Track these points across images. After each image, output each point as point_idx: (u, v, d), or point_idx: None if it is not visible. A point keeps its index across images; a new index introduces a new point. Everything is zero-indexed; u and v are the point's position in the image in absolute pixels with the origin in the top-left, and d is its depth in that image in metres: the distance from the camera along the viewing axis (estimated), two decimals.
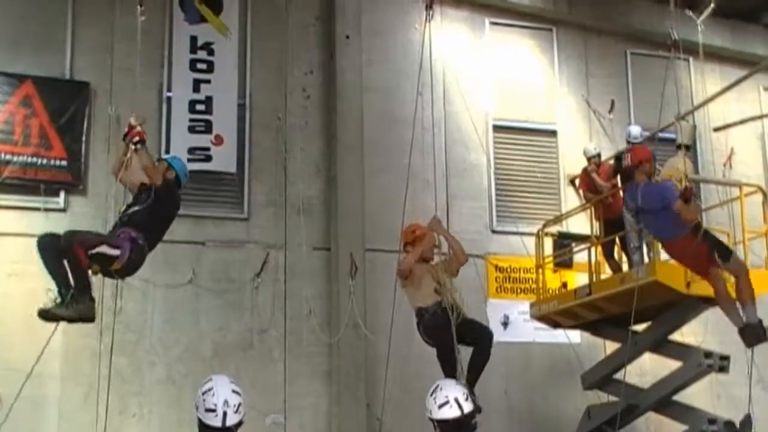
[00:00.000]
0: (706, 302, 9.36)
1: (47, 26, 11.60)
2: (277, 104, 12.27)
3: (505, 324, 12.65)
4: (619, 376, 10.38)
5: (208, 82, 11.96)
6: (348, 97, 12.31)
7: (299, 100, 12.42)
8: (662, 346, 10.45)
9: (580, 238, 12.17)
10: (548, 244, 12.16)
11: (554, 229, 12.43)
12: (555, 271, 12.19)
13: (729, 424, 9.51)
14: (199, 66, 11.97)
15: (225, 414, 4.88)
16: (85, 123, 11.38)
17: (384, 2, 13.18)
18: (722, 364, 9.58)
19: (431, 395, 5.33)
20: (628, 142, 11.57)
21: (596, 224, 11.44)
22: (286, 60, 12.36)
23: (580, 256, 11.86)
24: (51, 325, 7.02)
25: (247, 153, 12.10)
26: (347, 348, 11.47)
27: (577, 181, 12.99)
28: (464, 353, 7.90)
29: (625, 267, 10.96)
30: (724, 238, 10.01)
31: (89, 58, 11.68)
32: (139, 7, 8.16)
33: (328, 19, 12.67)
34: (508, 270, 12.89)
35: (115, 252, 6.99)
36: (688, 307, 9.78)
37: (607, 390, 10.99)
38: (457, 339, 7.68)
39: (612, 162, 11.88)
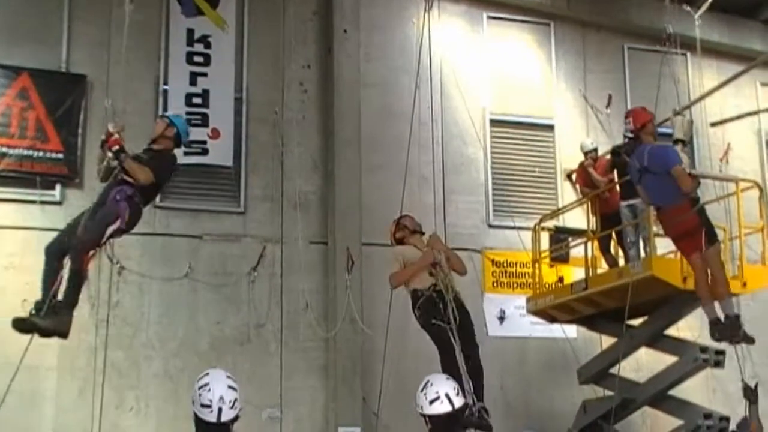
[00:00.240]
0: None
1: (44, 19, 11.57)
2: (274, 98, 12.26)
3: (502, 318, 12.66)
4: (614, 370, 10.39)
5: (204, 75, 11.93)
6: (345, 92, 12.30)
7: (296, 95, 12.41)
8: (658, 340, 10.47)
9: (577, 233, 12.18)
10: (545, 238, 12.18)
11: (551, 223, 12.44)
12: (551, 266, 12.20)
13: (724, 419, 9.54)
14: (196, 59, 11.94)
15: (220, 410, 4.88)
16: (81, 116, 11.35)
17: None
18: (718, 359, 9.60)
19: (422, 390, 5.34)
20: (625, 137, 11.55)
21: (593, 219, 11.45)
22: (284, 54, 12.34)
23: (577, 251, 11.86)
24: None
25: (243, 147, 12.08)
26: (344, 342, 11.48)
27: (574, 176, 13.00)
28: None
29: (621, 262, 10.97)
30: (720, 234, 10.04)
31: (86, 50, 11.65)
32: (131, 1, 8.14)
33: (326, 13, 12.65)
34: (505, 264, 12.90)
35: (117, 224, 6.95)
36: (684, 301, 9.79)
37: (603, 384, 11.00)
38: (456, 325, 7.64)
39: (609, 157, 11.87)
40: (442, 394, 5.23)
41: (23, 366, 6.99)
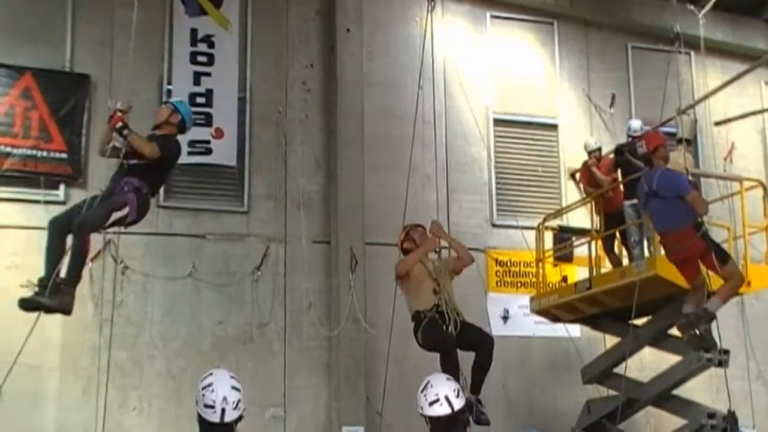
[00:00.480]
0: (706, 297, 9.33)
1: (47, 18, 11.57)
2: (278, 98, 12.25)
3: (505, 318, 12.65)
4: (618, 370, 10.39)
5: (208, 75, 11.93)
6: (348, 91, 12.29)
7: (300, 94, 12.41)
8: (662, 340, 10.46)
9: (581, 232, 12.18)
10: (548, 238, 12.16)
11: (554, 223, 12.43)
12: (555, 265, 12.19)
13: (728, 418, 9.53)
14: (200, 59, 11.94)
15: (224, 410, 4.88)
16: (85, 115, 11.36)
17: None
18: (722, 358, 9.56)
19: (422, 391, 5.33)
20: (629, 137, 11.56)
21: (597, 218, 11.44)
22: (287, 53, 12.33)
23: (581, 250, 11.86)
24: (50, 319, 7.01)
25: (247, 146, 12.09)
26: (347, 342, 11.48)
27: (577, 175, 12.99)
28: (467, 357, 7.86)
29: (625, 261, 10.96)
30: (724, 233, 10.03)
31: (89, 50, 11.66)
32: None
33: (329, 12, 12.65)
34: (508, 264, 12.89)
35: (124, 211, 6.97)
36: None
37: (607, 384, 11.00)
38: (457, 345, 7.66)
39: (612, 156, 11.86)
40: (441, 396, 5.23)
41: (26, 366, 6.99)
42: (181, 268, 11.44)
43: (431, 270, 8.10)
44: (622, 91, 14.02)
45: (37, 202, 11.03)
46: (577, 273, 12.02)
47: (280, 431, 11.19)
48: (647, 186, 8.39)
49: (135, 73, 10.15)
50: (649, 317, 10.40)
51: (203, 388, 4.96)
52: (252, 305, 11.64)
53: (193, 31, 11.92)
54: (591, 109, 13.85)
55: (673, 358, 10.28)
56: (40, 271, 9.80)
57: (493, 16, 13.67)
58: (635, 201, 10.30)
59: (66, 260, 6.85)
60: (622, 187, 11.05)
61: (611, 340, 11.30)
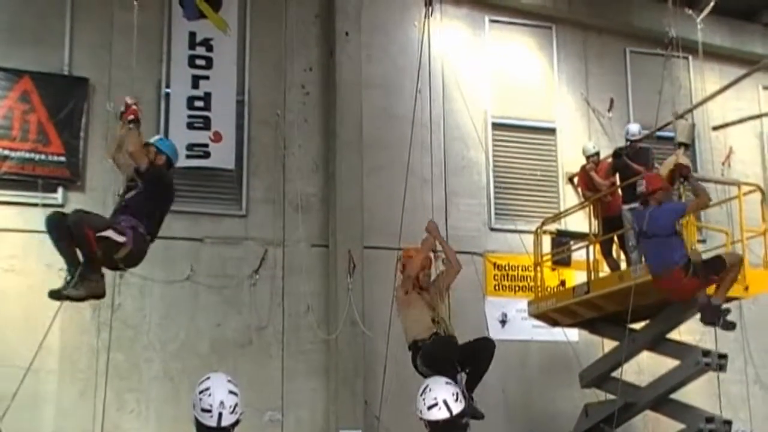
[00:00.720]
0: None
1: (46, 21, 11.58)
2: (276, 101, 12.26)
3: (503, 322, 12.65)
4: (616, 374, 10.39)
5: (206, 78, 11.93)
6: (347, 94, 12.30)
7: (298, 97, 12.41)
8: (660, 344, 10.45)
9: (579, 236, 12.17)
10: (546, 242, 12.15)
11: (553, 227, 12.42)
12: (553, 269, 12.18)
13: (727, 422, 9.53)
14: (198, 62, 11.93)
15: (221, 415, 4.86)
16: (83, 119, 11.36)
17: None
18: (720, 362, 9.59)
19: (421, 395, 5.32)
20: (627, 140, 11.56)
21: (595, 222, 11.44)
22: (286, 57, 12.34)
23: (579, 254, 11.85)
24: (48, 322, 7.00)
25: (245, 150, 12.08)
26: (345, 345, 11.47)
27: (575, 180, 12.99)
28: None
29: (623, 265, 10.96)
30: (722, 238, 10.03)
31: (88, 53, 11.66)
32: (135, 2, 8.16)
33: (328, 15, 12.65)
34: (507, 268, 12.89)
35: (122, 238, 6.98)
36: (686, 305, 9.77)
37: (605, 388, 10.99)
38: (456, 354, 7.66)
39: (610, 160, 11.87)
40: (440, 401, 5.22)
41: (24, 368, 6.97)
42: (179, 272, 11.43)
43: (429, 300, 8.12)
44: (620, 96, 14.03)
45: (35, 205, 11.01)
46: (575, 277, 12.01)
47: None
48: (638, 226, 8.48)
49: (134, 76, 10.15)
50: (647, 321, 10.40)
51: (200, 392, 4.94)
52: (250, 308, 11.63)
53: (192, 35, 11.92)
54: (589, 113, 13.86)
55: (671, 362, 10.28)
56: (38, 275, 9.84)
57: (491, 20, 13.69)
58: (633, 205, 10.31)
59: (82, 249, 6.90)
60: (620, 191, 11.05)
61: (609, 344, 11.29)
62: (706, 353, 9.62)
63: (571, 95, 13.90)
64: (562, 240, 12.43)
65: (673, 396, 10.34)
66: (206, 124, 11.77)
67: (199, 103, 11.81)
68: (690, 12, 12.51)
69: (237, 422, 4.98)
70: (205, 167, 11.74)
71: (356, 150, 12.17)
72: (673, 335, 10.53)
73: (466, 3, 13.60)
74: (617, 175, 11.38)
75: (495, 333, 12.39)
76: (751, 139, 14.66)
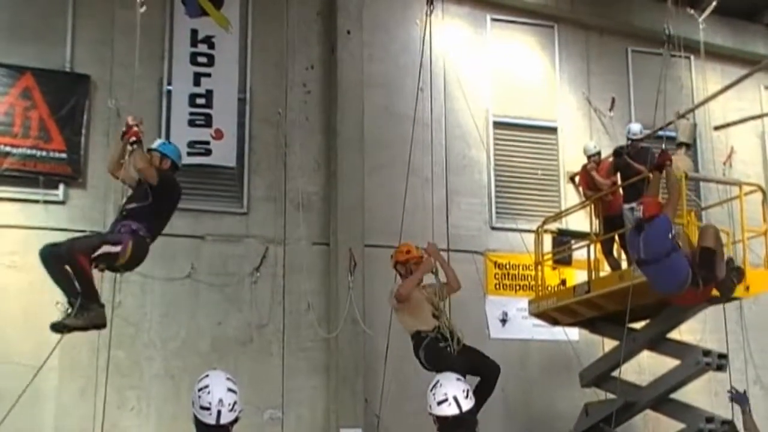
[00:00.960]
0: (705, 301, 9.35)
1: (48, 18, 11.57)
2: (278, 99, 12.26)
3: (504, 321, 12.65)
4: (617, 373, 10.39)
5: (208, 75, 11.93)
6: (348, 93, 12.30)
7: (300, 95, 12.41)
8: (660, 344, 10.46)
9: (580, 236, 12.17)
10: (547, 241, 12.16)
11: (553, 226, 12.43)
12: (554, 268, 12.18)
13: (727, 422, 9.52)
14: (200, 59, 11.93)
15: (219, 412, 4.87)
16: (84, 116, 11.36)
17: None
18: (720, 362, 9.58)
19: (431, 390, 5.30)
20: (629, 139, 11.56)
21: (595, 221, 11.44)
22: (287, 55, 12.33)
23: (579, 254, 11.86)
24: (49, 319, 7.00)
25: (246, 147, 12.08)
26: (346, 343, 11.48)
27: (576, 179, 12.99)
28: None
29: (624, 264, 10.95)
30: (723, 238, 10.02)
31: (89, 50, 11.66)
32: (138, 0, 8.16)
33: (330, 14, 12.65)
34: (507, 267, 12.89)
35: (116, 249, 6.96)
36: (686, 305, 9.77)
37: (605, 387, 10.99)
38: (460, 367, 7.65)
39: (611, 159, 11.86)
40: (450, 397, 5.20)
41: (24, 366, 6.98)
42: (179, 269, 11.43)
43: (427, 296, 8.13)
44: (621, 95, 14.03)
45: (36, 201, 11.04)
46: (576, 276, 12.02)
47: None
48: (635, 254, 8.45)
49: (135, 73, 10.15)
50: (648, 321, 10.40)
51: (199, 390, 4.94)
52: (251, 306, 11.64)
53: (194, 32, 11.92)
54: (591, 112, 13.86)
55: (671, 362, 10.28)
56: (39, 271, 9.80)
57: (493, 19, 13.68)
58: (634, 204, 10.30)
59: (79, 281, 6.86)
60: (621, 190, 11.05)
61: (609, 344, 11.29)
62: (707, 353, 9.62)
63: (572, 94, 13.90)
64: (563, 239, 12.44)
65: (674, 396, 10.34)
66: (207, 121, 11.78)
67: (200, 101, 11.81)
68: (692, 12, 12.51)
69: (236, 420, 4.98)
70: (207, 165, 11.74)
71: (357, 148, 12.17)
72: (674, 335, 10.54)
73: (467, 1, 13.59)
74: (618, 175, 11.38)
75: (495, 332, 12.44)
76: (752, 139, 14.66)
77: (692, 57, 13.49)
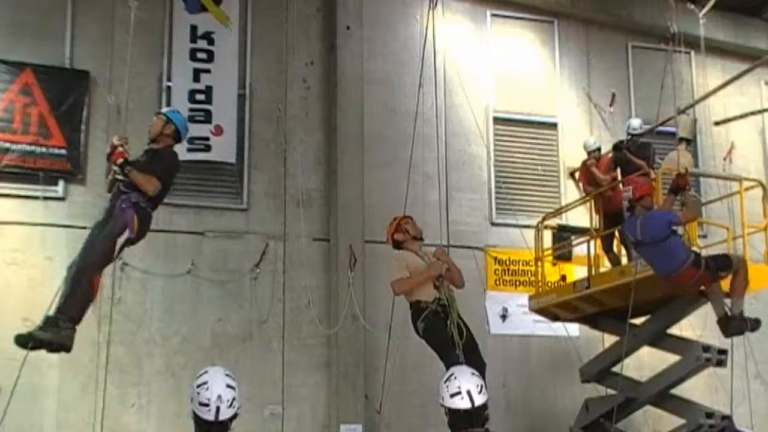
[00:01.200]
0: (705, 296, 9.36)
1: (47, 14, 11.57)
2: (278, 95, 12.24)
3: (504, 316, 12.65)
4: (617, 369, 10.40)
5: (208, 71, 11.92)
6: (348, 89, 12.29)
7: (300, 91, 12.40)
8: (661, 339, 10.46)
9: (580, 231, 12.17)
10: (548, 236, 12.16)
11: (554, 221, 12.43)
12: (554, 264, 12.18)
13: (727, 418, 9.54)
14: (199, 56, 11.92)
15: (218, 409, 4.88)
16: (84, 112, 11.36)
17: None
18: (720, 358, 9.59)
19: (445, 382, 5.30)
20: (629, 134, 11.58)
21: (596, 217, 11.44)
22: (287, 51, 12.32)
23: (580, 249, 11.86)
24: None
25: (246, 143, 12.08)
26: (346, 339, 11.48)
27: (577, 174, 12.99)
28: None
29: (624, 260, 10.96)
30: (723, 233, 10.03)
31: (89, 47, 11.65)
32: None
33: (329, 10, 12.64)
34: (508, 262, 12.88)
35: (126, 234, 6.91)
36: (686, 301, 9.78)
37: (605, 383, 10.99)
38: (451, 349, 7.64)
39: (611, 154, 11.87)
40: (463, 390, 5.19)
41: (26, 362, 6.96)
42: (180, 265, 11.43)
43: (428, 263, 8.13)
44: (622, 90, 14.01)
45: (36, 198, 11.05)
46: (576, 272, 12.03)
47: (278, 429, 11.19)
48: (632, 236, 8.43)
49: (135, 69, 10.17)
50: (648, 316, 10.40)
51: (198, 386, 4.95)
52: (251, 303, 11.64)
53: (193, 28, 11.91)
54: (591, 108, 13.84)
55: (671, 358, 10.28)
56: (39, 267, 9.85)
57: (493, 15, 13.66)
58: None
59: (68, 294, 6.76)
60: (621, 186, 11.05)
61: (610, 339, 11.30)
62: (707, 348, 9.62)
63: (572, 90, 13.88)
64: (563, 235, 12.45)
65: (674, 391, 10.34)
66: (207, 117, 11.77)
67: (200, 97, 11.80)
68: (692, 7, 12.48)
69: (235, 416, 4.99)
70: (206, 161, 11.74)
71: (357, 144, 12.16)
72: (674, 330, 10.53)
73: None
74: (618, 170, 11.37)
75: (496, 327, 12.43)
76: (752, 135, 14.64)
77: (693, 52, 13.48)
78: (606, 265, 11.20)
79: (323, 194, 12.19)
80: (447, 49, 12.93)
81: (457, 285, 8.31)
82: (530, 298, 11.76)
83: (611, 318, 10.74)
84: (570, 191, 13.33)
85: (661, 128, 12.00)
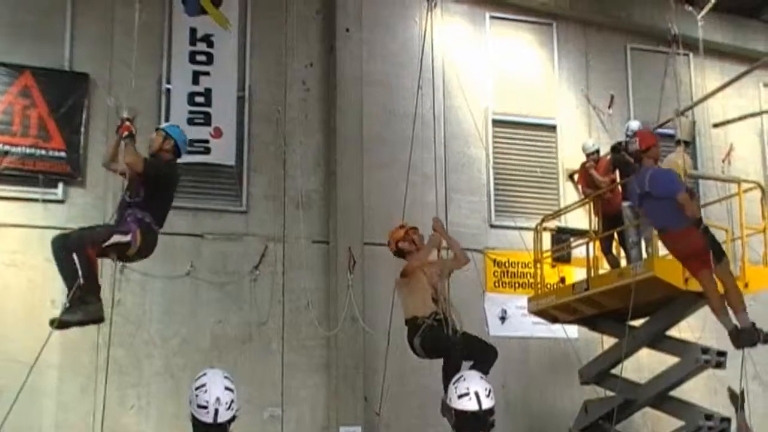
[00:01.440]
0: (704, 298, 9.35)
1: (47, 17, 11.58)
2: (277, 97, 12.25)
3: (503, 318, 12.66)
4: (616, 371, 10.40)
5: (207, 74, 11.93)
6: (348, 91, 12.30)
7: (299, 93, 12.41)
8: (660, 341, 10.46)
9: (579, 233, 12.18)
10: (546, 238, 12.17)
11: (553, 223, 12.44)
12: (553, 266, 12.18)
13: (726, 420, 9.54)
14: (199, 58, 11.94)
15: (216, 411, 4.88)
16: (84, 114, 11.37)
17: None
18: (719, 360, 9.59)
19: (454, 383, 5.32)
20: (627, 136, 11.57)
21: (595, 219, 11.45)
22: (286, 53, 12.32)
23: (579, 251, 11.86)
24: (49, 317, 7.01)
25: (246, 146, 12.09)
26: (345, 341, 11.48)
27: (575, 176, 13.00)
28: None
29: (623, 262, 10.96)
30: (722, 235, 10.03)
31: (88, 49, 11.66)
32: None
33: (329, 12, 12.65)
34: (507, 264, 12.89)
35: (127, 238, 6.97)
36: (685, 302, 9.79)
37: (604, 385, 11.00)
38: (458, 350, 7.65)
39: (609, 156, 11.88)
40: (471, 392, 5.19)
41: (25, 363, 6.99)
42: (179, 267, 11.43)
43: (430, 278, 8.12)
44: (620, 92, 14.02)
45: (35, 200, 11.05)
46: (575, 274, 12.03)
47: (277, 430, 11.20)
48: (639, 188, 8.36)
49: (134, 72, 10.18)
50: (647, 318, 10.41)
51: (196, 389, 4.96)
52: (250, 305, 11.65)
53: (193, 31, 11.92)
54: (590, 110, 13.85)
55: (670, 360, 10.29)
56: (39, 270, 9.84)
57: (492, 17, 13.68)
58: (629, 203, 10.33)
59: (70, 269, 6.80)
60: (620, 188, 11.05)
61: (609, 341, 11.31)
62: (706, 350, 9.63)
63: (571, 92, 13.90)
64: (562, 237, 12.46)
65: (673, 393, 10.34)
66: (207, 119, 11.78)
67: (199, 99, 11.81)
68: (691, 9, 12.50)
69: (233, 418, 4.99)
70: (206, 163, 11.75)
71: (357, 146, 12.18)
72: (673, 332, 10.54)
73: None
74: (617, 173, 11.38)
75: (495, 330, 12.43)
76: (751, 137, 14.66)
77: (691, 54, 13.49)
78: (605, 267, 11.21)
79: (322, 196, 12.20)
80: (446, 51, 12.95)
81: (461, 260, 8.33)
82: (529, 300, 11.77)
83: (610, 320, 10.75)
84: (569, 193, 13.34)
85: (659, 130, 12.00)
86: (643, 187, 8.27)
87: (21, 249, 10.83)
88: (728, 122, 13.37)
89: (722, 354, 9.59)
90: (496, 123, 13.34)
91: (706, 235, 8.12)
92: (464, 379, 5.31)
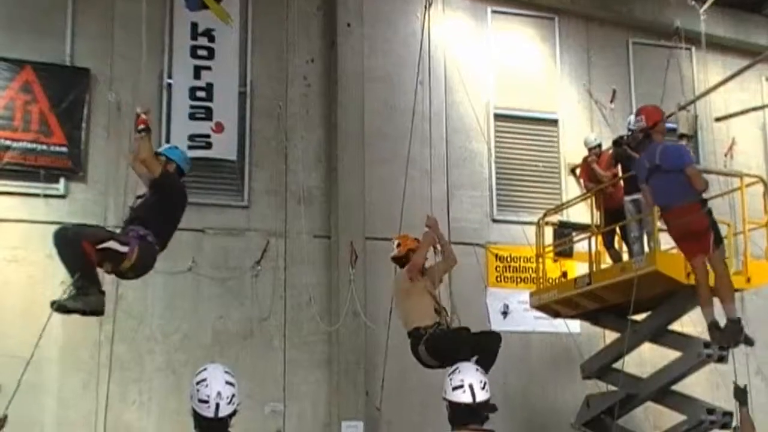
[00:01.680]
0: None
1: (47, 12, 11.56)
2: (278, 92, 12.24)
3: (505, 313, 12.66)
4: (618, 365, 10.40)
5: (208, 69, 11.92)
6: (349, 86, 12.29)
7: (300, 89, 12.39)
8: (662, 335, 10.46)
9: (581, 228, 12.16)
10: (548, 233, 12.15)
11: (555, 218, 12.42)
12: (555, 261, 12.18)
13: (728, 414, 9.53)
14: (200, 53, 11.92)
15: (218, 405, 4.88)
16: (85, 109, 11.36)
17: None
18: (721, 354, 9.57)
19: (449, 375, 5.29)
20: (629, 130, 11.54)
21: (597, 214, 11.43)
22: (288, 48, 12.31)
23: (581, 246, 11.86)
24: (50, 312, 6.99)
25: (247, 141, 12.08)
26: (347, 336, 11.48)
27: (577, 171, 12.98)
28: None
29: (625, 257, 10.95)
30: (724, 229, 10.01)
31: (89, 44, 11.65)
32: None
33: (330, 7, 12.63)
34: (509, 259, 12.89)
35: (124, 249, 6.81)
36: (687, 297, 9.74)
37: (606, 379, 11.01)
38: (467, 344, 7.64)
39: (611, 151, 11.85)
40: (466, 384, 5.17)
41: (24, 359, 6.98)
42: (181, 263, 11.42)
43: (429, 288, 8.12)
44: (622, 87, 13.99)
45: (37, 195, 11.05)
46: (577, 268, 12.02)
47: (279, 426, 11.21)
48: (649, 162, 8.30)
49: (135, 67, 10.17)
50: (649, 313, 10.40)
51: (197, 383, 4.96)
52: (252, 300, 11.64)
53: (194, 25, 11.90)
54: (591, 104, 13.83)
55: (672, 354, 10.28)
56: (40, 265, 9.85)
57: (493, 11, 13.65)
58: (636, 196, 10.32)
59: (72, 259, 6.74)
60: (622, 182, 11.04)
61: (611, 336, 11.30)
62: (708, 345, 9.59)
63: (573, 86, 13.87)
64: (564, 231, 12.44)
65: (675, 387, 10.34)
66: (208, 114, 11.77)
67: (200, 94, 11.80)
68: (693, 3, 12.49)
69: (234, 413, 4.99)
70: (207, 158, 11.72)
71: (358, 141, 12.16)
72: (675, 326, 10.53)
73: None
74: (619, 167, 11.36)
75: (497, 324, 12.41)
76: (753, 131, 14.63)
77: (694, 48, 13.48)
78: (607, 262, 11.20)
79: (324, 191, 12.19)
80: (447, 46, 12.94)
81: (450, 261, 8.36)
82: (531, 294, 11.75)
83: (612, 314, 10.74)
84: (571, 188, 13.33)
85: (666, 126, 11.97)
86: (653, 160, 8.22)
87: (22, 244, 10.84)
88: (730, 116, 13.36)
89: (724, 348, 9.57)
90: (498, 117, 13.32)
91: (708, 217, 8.10)
92: (459, 371, 5.29)
